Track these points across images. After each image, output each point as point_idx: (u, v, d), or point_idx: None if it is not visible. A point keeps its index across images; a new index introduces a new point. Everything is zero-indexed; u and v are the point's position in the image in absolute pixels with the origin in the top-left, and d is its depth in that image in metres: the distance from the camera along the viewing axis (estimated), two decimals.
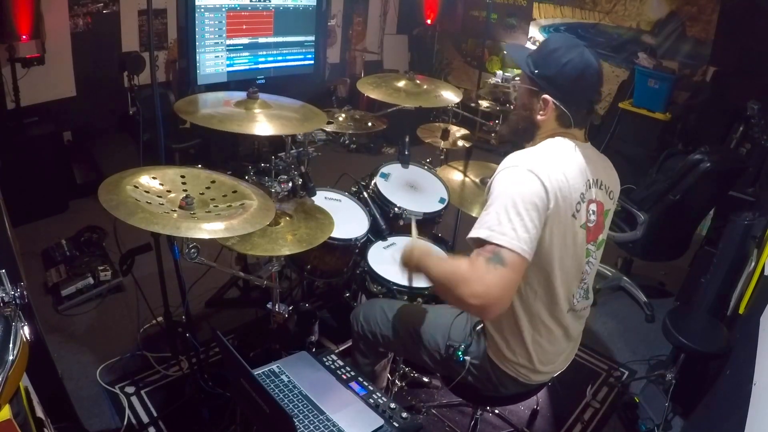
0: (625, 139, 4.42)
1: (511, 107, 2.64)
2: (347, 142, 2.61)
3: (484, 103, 3.04)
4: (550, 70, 1.39)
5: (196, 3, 3.37)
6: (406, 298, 1.99)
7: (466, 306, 1.33)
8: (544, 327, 1.49)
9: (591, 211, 1.44)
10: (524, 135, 1.52)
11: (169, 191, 1.55)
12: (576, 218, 1.39)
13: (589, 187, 1.42)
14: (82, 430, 2.00)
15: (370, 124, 2.64)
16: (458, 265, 1.30)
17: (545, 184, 1.30)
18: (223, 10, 3.54)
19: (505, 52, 5.51)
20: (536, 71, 1.42)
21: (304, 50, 4.20)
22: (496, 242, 1.25)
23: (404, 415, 1.46)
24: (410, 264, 1.49)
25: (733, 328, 2.22)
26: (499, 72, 5.29)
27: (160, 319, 2.25)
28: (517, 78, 1.62)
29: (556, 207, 1.32)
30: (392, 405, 1.49)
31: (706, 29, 4.34)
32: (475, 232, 1.29)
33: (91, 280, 2.76)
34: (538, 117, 1.44)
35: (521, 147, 1.50)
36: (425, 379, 2.37)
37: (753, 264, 2.22)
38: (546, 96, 1.41)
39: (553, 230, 1.34)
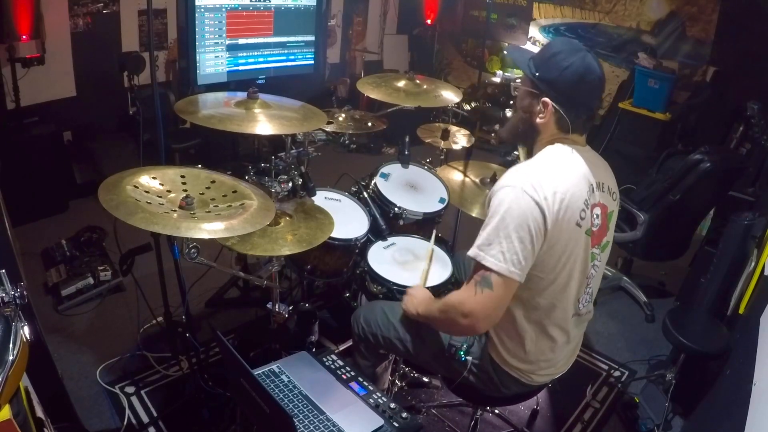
0: (625, 139, 4.42)
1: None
2: (347, 142, 2.61)
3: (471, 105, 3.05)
4: (551, 74, 1.39)
5: (196, 3, 3.36)
6: None
7: (457, 326, 1.42)
8: (546, 334, 1.49)
9: (595, 215, 1.44)
10: (524, 138, 1.52)
11: (169, 191, 1.55)
12: (581, 226, 1.39)
13: (593, 192, 1.42)
14: (82, 430, 2.00)
15: (370, 124, 2.64)
16: (451, 294, 1.46)
17: (541, 205, 1.30)
18: (223, 10, 3.54)
19: (506, 53, 5.51)
20: (537, 74, 1.42)
21: (304, 50, 4.20)
22: (484, 264, 1.32)
23: (404, 415, 1.47)
24: (414, 315, 1.64)
25: (733, 328, 2.22)
26: (499, 72, 5.29)
27: (160, 319, 2.26)
28: (518, 80, 1.62)
29: (556, 222, 1.32)
30: (392, 405, 1.49)
31: (706, 29, 4.34)
32: (470, 250, 1.38)
33: (91, 280, 2.76)
34: (538, 120, 1.44)
35: (522, 148, 1.51)
36: (425, 379, 2.37)
37: (753, 264, 2.21)
38: (546, 99, 1.41)
39: (555, 243, 1.35)
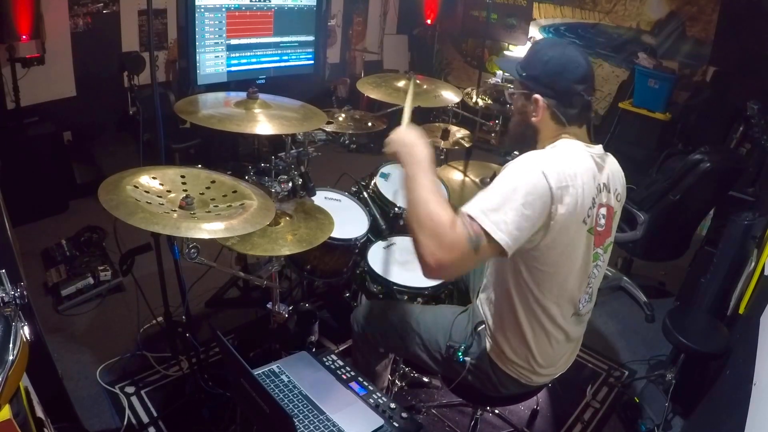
0: (625, 139, 4.41)
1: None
2: (347, 142, 2.61)
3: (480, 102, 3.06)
4: (536, 70, 1.43)
5: (196, 3, 3.36)
6: (406, 298, 1.99)
7: (418, 251, 1.28)
8: (546, 331, 1.49)
9: (601, 215, 1.43)
10: (525, 140, 1.52)
11: (169, 191, 1.55)
12: (586, 223, 1.39)
13: (600, 191, 1.42)
14: (82, 430, 2.00)
15: (370, 124, 2.64)
16: (442, 215, 1.27)
17: (553, 189, 1.28)
18: (223, 10, 3.54)
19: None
20: (524, 74, 1.46)
21: (304, 50, 4.20)
22: (483, 226, 1.24)
23: (404, 415, 1.46)
24: (395, 149, 1.49)
25: (733, 328, 2.22)
26: (499, 72, 5.28)
27: (160, 319, 2.25)
28: (511, 87, 1.63)
29: (564, 213, 1.30)
30: (392, 405, 1.49)
31: (706, 29, 4.34)
32: (468, 208, 1.27)
33: (91, 280, 2.76)
34: (533, 119, 1.45)
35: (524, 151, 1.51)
36: (425, 379, 2.37)
37: (753, 264, 2.22)
38: (536, 96, 1.43)
39: (560, 235, 1.33)
